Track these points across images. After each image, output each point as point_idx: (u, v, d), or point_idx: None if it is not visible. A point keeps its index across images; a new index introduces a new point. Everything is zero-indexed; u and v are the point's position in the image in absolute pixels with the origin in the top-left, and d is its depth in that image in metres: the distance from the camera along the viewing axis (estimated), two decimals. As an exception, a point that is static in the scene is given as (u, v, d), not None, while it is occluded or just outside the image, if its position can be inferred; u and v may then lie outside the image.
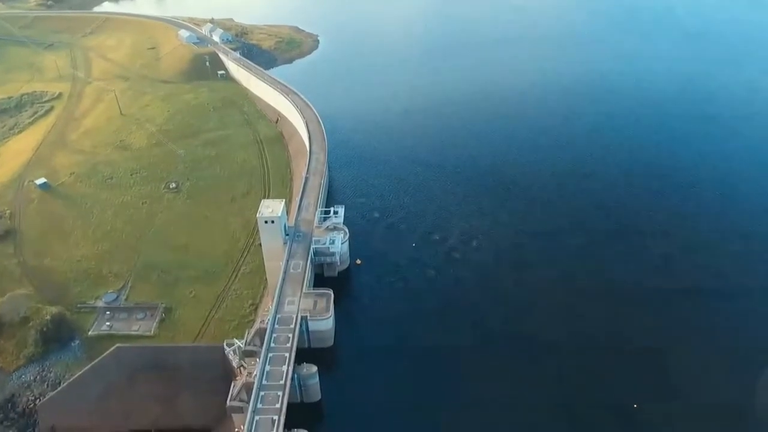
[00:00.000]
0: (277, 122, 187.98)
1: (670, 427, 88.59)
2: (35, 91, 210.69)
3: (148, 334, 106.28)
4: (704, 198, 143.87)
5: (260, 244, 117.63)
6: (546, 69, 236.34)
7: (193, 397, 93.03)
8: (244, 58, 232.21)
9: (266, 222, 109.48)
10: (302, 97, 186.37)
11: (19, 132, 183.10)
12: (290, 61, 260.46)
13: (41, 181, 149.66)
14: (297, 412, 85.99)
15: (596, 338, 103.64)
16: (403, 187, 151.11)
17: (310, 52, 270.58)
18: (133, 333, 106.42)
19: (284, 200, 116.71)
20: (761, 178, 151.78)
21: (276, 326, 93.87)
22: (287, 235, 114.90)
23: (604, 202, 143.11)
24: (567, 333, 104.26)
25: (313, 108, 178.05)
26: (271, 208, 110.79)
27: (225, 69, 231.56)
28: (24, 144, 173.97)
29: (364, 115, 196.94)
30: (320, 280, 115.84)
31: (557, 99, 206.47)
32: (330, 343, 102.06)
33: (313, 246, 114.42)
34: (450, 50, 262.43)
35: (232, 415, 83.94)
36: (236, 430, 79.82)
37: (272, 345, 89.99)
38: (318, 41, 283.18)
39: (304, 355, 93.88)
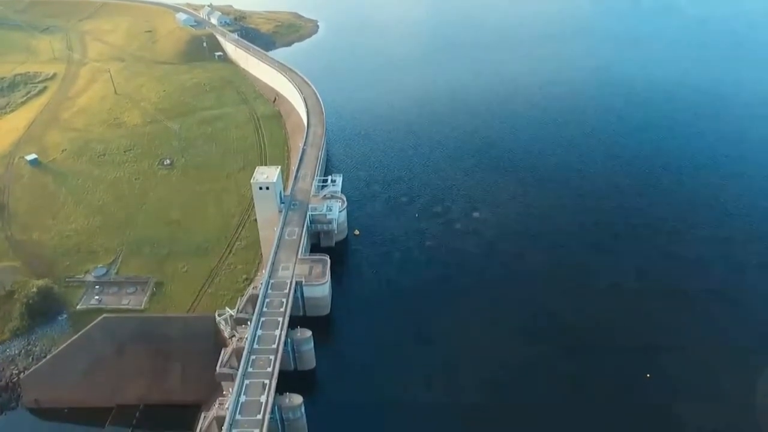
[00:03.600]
0: (274, 101, 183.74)
1: (685, 398, 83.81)
2: (29, 72, 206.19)
3: (138, 308, 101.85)
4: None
5: (255, 219, 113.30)
6: (553, 48, 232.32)
7: (182, 370, 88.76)
8: (242, 39, 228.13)
9: (261, 188, 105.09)
10: (300, 74, 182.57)
11: (11, 111, 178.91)
12: (289, 44, 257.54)
13: (32, 157, 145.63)
14: (291, 379, 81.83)
15: (602, 310, 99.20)
16: (404, 161, 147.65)
17: (309, 36, 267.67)
18: (122, 307, 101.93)
19: (280, 167, 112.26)
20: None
21: (269, 291, 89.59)
22: (283, 203, 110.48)
23: (608, 180, 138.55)
24: (567, 304, 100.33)
25: (311, 85, 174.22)
26: (266, 174, 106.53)
27: (222, 50, 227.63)
28: (16, 122, 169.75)
29: (364, 93, 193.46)
30: (317, 249, 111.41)
31: (567, 78, 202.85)
32: (326, 311, 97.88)
33: (309, 213, 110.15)
34: (449, 35, 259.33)
35: (222, 383, 79.26)
36: (224, 392, 74.98)
37: (265, 309, 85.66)
38: (318, 26, 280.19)
39: (299, 323, 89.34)
